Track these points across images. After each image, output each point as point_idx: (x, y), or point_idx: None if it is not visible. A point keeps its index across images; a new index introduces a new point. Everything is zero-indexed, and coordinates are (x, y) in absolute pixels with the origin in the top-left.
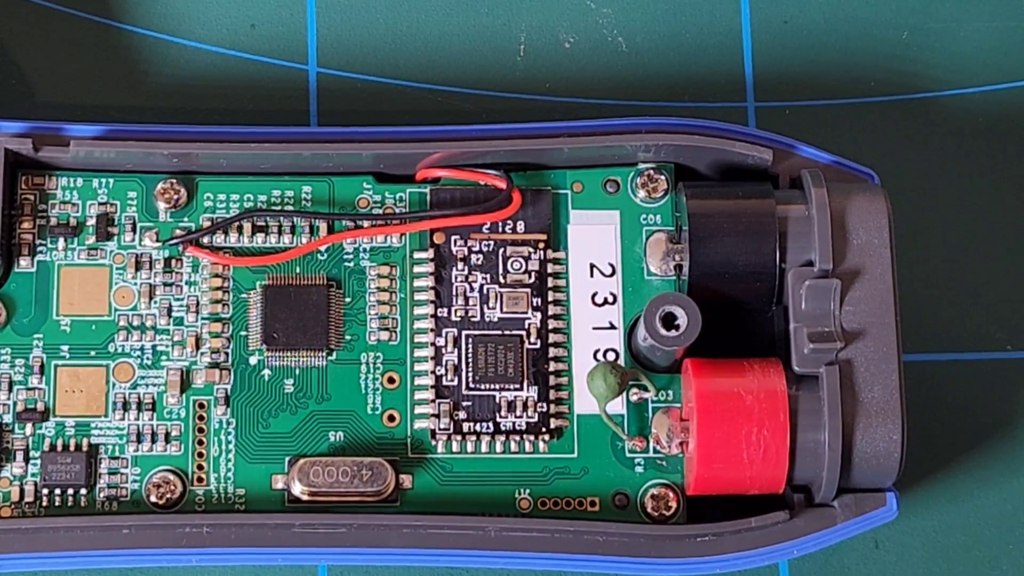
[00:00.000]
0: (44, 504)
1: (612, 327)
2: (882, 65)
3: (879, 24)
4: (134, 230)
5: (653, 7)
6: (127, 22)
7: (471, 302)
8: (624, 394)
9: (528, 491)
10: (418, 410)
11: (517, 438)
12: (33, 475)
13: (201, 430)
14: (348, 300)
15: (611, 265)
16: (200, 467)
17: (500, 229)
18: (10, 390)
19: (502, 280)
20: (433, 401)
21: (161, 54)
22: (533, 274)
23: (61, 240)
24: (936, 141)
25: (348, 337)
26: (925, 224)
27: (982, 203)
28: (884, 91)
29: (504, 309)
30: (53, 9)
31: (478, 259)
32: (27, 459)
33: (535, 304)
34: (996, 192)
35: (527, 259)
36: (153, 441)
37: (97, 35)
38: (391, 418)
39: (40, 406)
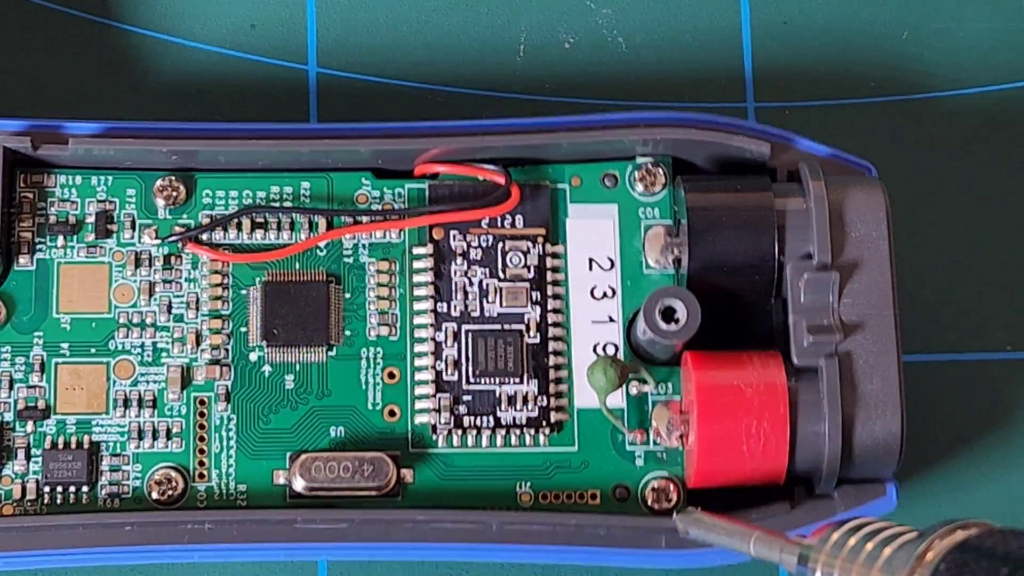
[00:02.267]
0: (46, 502)
1: (611, 321)
2: (882, 65)
3: (879, 24)
4: (133, 227)
5: (653, 7)
6: (127, 22)
7: (470, 297)
8: (624, 387)
9: (529, 485)
10: (419, 405)
11: (517, 432)
12: (35, 473)
13: (202, 426)
14: (348, 296)
15: (610, 259)
16: (201, 463)
17: (499, 224)
18: (11, 388)
19: (501, 275)
20: (433, 396)
21: (161, 54)
22: (532, 268)
23: (60, 238)
24: (936, 141)
25: (348, 333)
26: (925, 224)
27: (982, 203)
28: (884, 91)
29: (503, 304)
30: (53, 9)
31: (477, 254)
32: (28, 457)
33: (534, 298)
34: (996, 192)
35: (526, 253)
36: (154, 438)
37: (97, 35)
38: (392, 413)
39: (41, 404)
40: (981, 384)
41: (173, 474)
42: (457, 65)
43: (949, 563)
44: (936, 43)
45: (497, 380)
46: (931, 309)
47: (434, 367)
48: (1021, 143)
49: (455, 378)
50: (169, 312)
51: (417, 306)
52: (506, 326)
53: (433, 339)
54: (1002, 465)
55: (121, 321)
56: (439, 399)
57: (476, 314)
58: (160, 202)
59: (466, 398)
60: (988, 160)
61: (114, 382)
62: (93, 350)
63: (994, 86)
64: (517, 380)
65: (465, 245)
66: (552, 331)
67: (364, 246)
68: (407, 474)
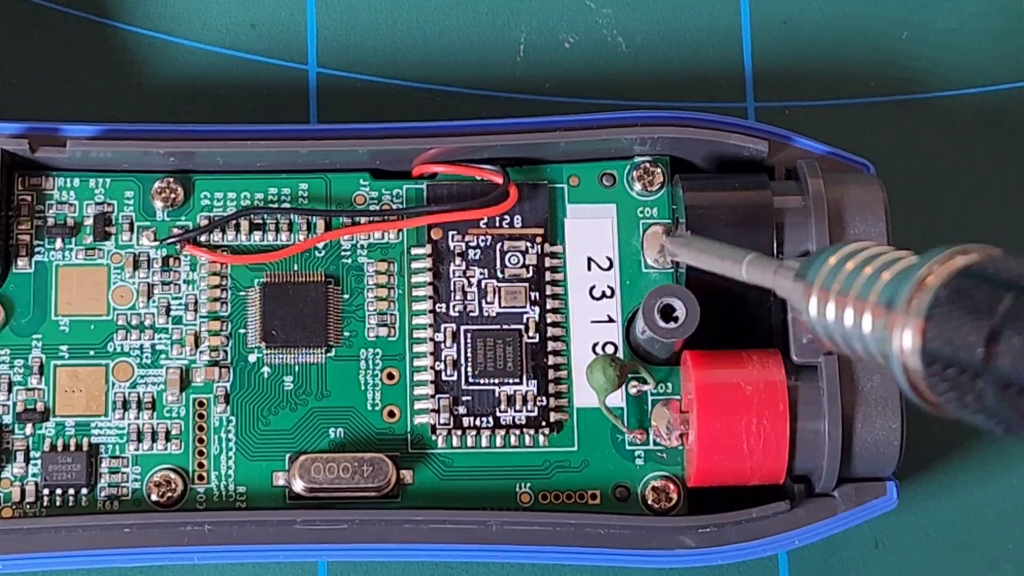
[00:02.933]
0: (45, 504)
1: (610, 320)
2: (882, 65)
3: (879, 24)
4: (131, 229)
5: (653, 7)
6: (126, 22)
7: (469, 297)
8: (623, 387)
9: (529, 485)
10: (418, 405)
11: (517, 432)
12: (34, 475)
13: (201, 428)
14: (346, 297)
15: (608, 258)
16: (201, 465)
17: (497, 224)
18: (9, 391)
19: (500, 275)
20: (433, 396)
21: (161, 54)
22: (531, 268)
23: (59, 240)
24: (936, 141)
25: (347, 334)
26: (925, 224)
27: (982, 204)
28: (884, 91)
29: (502, 304)
30: (52, 9)
31: (475, 254)
32: (27, 459)
33: (533, 298)
34: (996, 193)
35: (524, 253)
36: (153, 440)
37: (97, 35)
38: (391, 414)
39: (40, 406)
40: None
41: (172, 476)
42: (457, 65)
43: (951, 288)
44: (936, 43)
45: (496, 380)
46: None
47: (433, 367)
48: (1021, 143)
49: (454, 378)
50: (168, 314)
51: (416, 306)
52: (505, 326)
53: (432, 339)
54: (1002, 464)
55: (120, 323)
56: (438, 399)
57: (475, 314)
58: (158, 204)
59: (465, 398)
60: (988, 160)
61: (113, 384)
62: (92, 352)
63: (994, 86)
64: (516, 380)
65: (464, 245)
66: (551, 331)
67: (362, 247)
68: (407, 475)
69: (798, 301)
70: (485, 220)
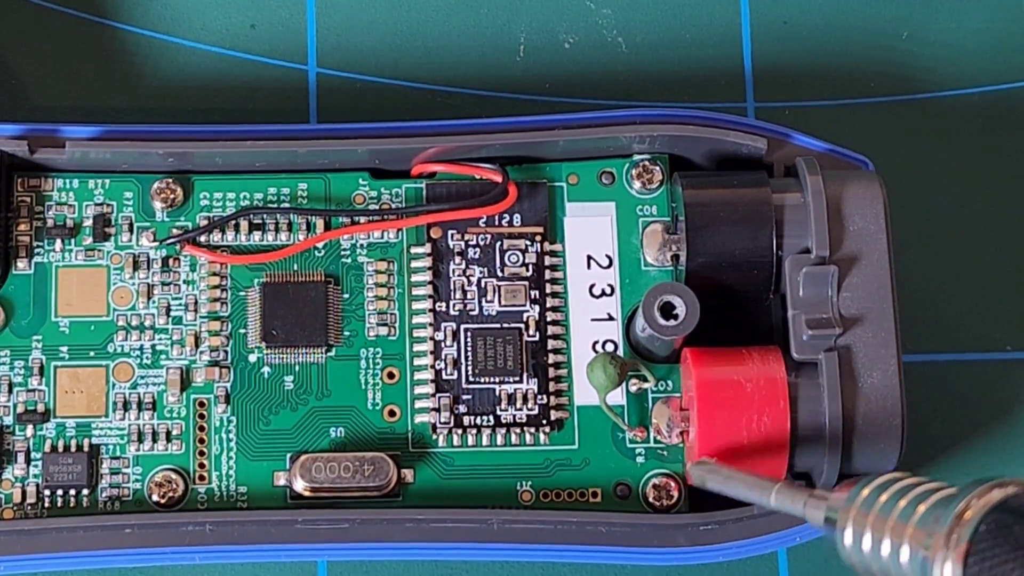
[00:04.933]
0: (46, 505)
1: (610, 318)
2: (882, 65)
3: (879, 24)
4: (131, 230)
5: (653, 7)
6: (126, 22)
7: (469, 296)
8: (624, 385)
9: (530, 483)
10: (418, 404)
11: (518, 430)
12: (35, 476)
13: (202, 428)
14: (346, 296)
15: (608, 256)
16: (202, 465)
17: (496, 222)
18: (10, 392)
19: (499, 273)
20: (433, 395)
21: (161, 54)
22: (530, 267)
23: (58, 241)
24: (936, 141)
25: (347, 333)
26: (925, 224)
27: (982, 204)
28: (884, 91)
29: (502, 302)
30: (51, 9)
31: (475, 253)
32: (28, 461)
33: (533, 297)
34: (996, 193)
35: (524, 252)
36: (154, 440)
37: (96, 35)
38: (392, 413)
39: (40, 407)
40: (981, 384)
41: (173, 476)
42: (457, 65)
43: (990, 524)
44: (936, 43)
45: (497, 379)
46: (931, 309)
47: (433, 366)
48: (1021, 143)
49: (455, 377)
50: (168, 314)
51: (416, 305)
52: (505, 325)
53: (432, 338)
54: (1002, 465)
55: (120, 324)
56: (439, 398)
57: (475, 313)
58: (158, 204)
59: (466, 397)
60: (988, 160)
61: (113, 385)
62: (92, 353)
63: (994, 86)
64: (517, 379)
65: (463, 244)
66: (551, 329)
67: (362, 246)
68: (407, 474)
69: (833, 530)
70: (484, 219)
